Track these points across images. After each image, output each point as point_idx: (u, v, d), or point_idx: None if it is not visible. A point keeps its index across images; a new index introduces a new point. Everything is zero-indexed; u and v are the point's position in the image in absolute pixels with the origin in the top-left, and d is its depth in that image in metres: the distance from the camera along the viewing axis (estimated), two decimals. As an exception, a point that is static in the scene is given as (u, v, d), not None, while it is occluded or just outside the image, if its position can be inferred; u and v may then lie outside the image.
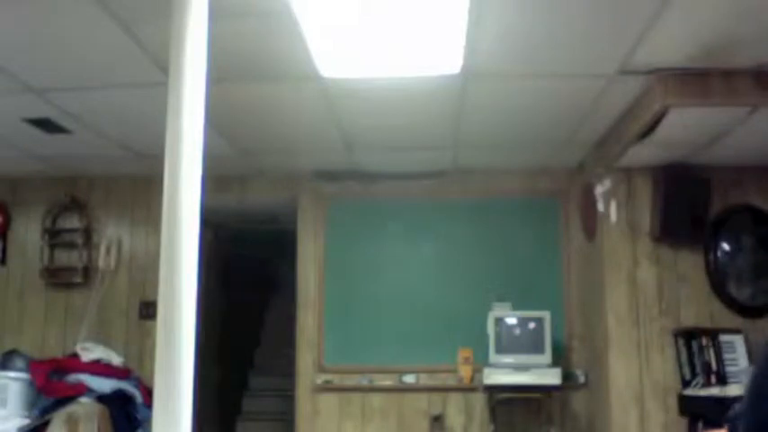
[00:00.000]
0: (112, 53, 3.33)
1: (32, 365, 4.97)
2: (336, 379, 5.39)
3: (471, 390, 5.26)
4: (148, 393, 4.68)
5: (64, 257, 5.55)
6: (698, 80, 3.57)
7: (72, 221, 5.58)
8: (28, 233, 5.59)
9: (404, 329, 5.41)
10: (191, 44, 2.03)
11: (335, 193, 5.59)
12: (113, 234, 5.55)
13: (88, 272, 5.49)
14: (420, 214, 5.60)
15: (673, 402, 4.50)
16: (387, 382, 5.35)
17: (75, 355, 5.12)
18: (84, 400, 4.78)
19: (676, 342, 4.58)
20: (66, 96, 3.91)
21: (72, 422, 4.60)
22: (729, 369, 4.43)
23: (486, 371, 4.97)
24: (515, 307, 5.20)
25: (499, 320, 5.10)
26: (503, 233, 5.48)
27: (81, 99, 3.96)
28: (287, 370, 6.06)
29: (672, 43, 3.27)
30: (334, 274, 5.54)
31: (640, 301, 4.68)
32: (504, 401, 5.10)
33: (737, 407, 1.62)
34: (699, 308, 4.68)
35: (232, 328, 7.27)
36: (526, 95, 3.96)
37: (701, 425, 4.12)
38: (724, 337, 4.52)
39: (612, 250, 4.74)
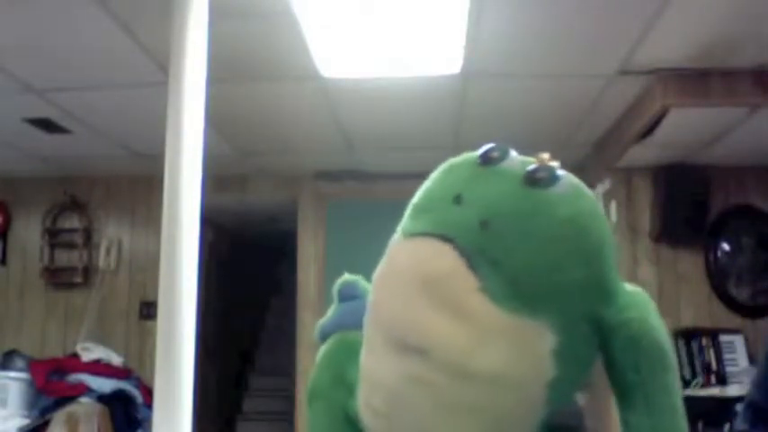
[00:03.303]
0: (112, 53, 3.33)
1: (32, 365, 4.97)
2: (336, 379, 5.37)
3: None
4: (148, 393, 4.67)
5: (64, 257, 5.54)
6: (698, 80, 3.57)
7: (72, 221, 5.57)
8: (28, 233, 5.58)
9: (404, 329, 5.38)
10: (191, 44, 2.03)
11: (335, 194, 5.58)
12: (113, 234, 5.55)
13: (88, 272, 5.47)
14: (420, 214, 5.57)
15: (673, 402, 4.49)
16: (387, 382, 5.33)
17: (75, 355, 5.11)
18: (84, 400, 4.77)
19: (676, 342, 4.57)
20: (66, 96, 3.91)
21: (72, 422, 4.59)
22: (729, 369, 4.42)
23: (487, 371, 4.95)
24: (515, 307, 5.18)
25: (499, 320, 5.08)
26: (503, 233, 5.46)
27: (81, 99, 3.96)
28: (287, 370, 6.06)
29: (672, 43, 3.27)
30: (335, 274, 5.44)
31: (640, 301, 4.67)
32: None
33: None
34: (699, 308, 4.68)
35: (232, 328, 7.28)
36: (526, 95, 3.95)
37: (700, 425, 4.11)
38: (724, 337, 4.52)
39: (612, 250, 4.73)
